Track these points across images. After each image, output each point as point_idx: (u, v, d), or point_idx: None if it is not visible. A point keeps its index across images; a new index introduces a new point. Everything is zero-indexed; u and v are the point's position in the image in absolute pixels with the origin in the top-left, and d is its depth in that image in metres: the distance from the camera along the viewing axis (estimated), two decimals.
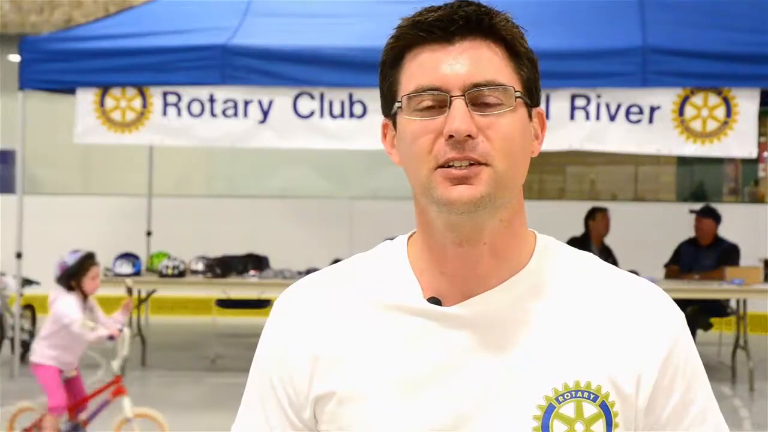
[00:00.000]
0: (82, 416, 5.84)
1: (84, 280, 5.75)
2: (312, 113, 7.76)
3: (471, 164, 1.24)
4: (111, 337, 5.65)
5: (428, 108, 1.27)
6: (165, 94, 7.87)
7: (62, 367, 5.72)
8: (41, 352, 5.70)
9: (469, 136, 1.24)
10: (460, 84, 1.26)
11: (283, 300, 1.40)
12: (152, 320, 10.25)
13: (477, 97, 1.26)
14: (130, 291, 6.05)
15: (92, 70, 7.92)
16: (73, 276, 5.75)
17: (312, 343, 1.34)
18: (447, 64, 1.27)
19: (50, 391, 5.64)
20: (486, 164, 1.25)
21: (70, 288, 5.74)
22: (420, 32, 1.28)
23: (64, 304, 5.66)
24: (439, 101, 1.27)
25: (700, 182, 12.88)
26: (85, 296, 5.79)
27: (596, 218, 9.20)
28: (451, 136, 1.24)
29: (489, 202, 1.26)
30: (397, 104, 1.31)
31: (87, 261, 5.81)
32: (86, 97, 7.96)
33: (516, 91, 1.29)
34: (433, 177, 1.26)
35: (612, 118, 7.51)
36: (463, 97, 1.26)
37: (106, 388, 5.84)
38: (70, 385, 5.80)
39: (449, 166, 1.25)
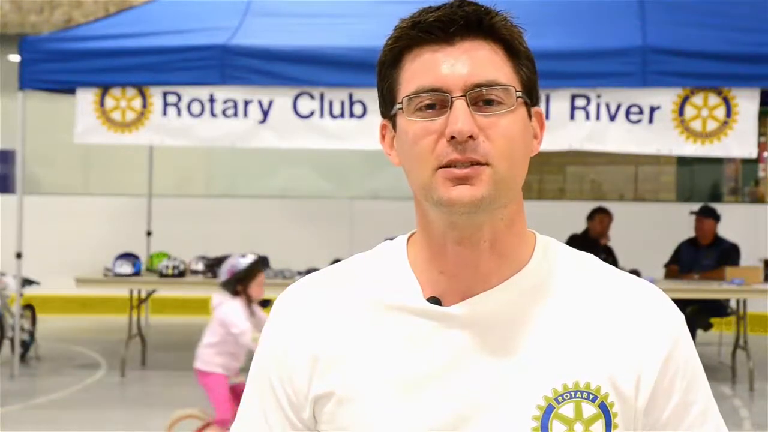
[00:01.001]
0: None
1: (251, 286, 5.67)
2: (312, 113, 7.76)
3: (473, 164, 1.24)
4: None
5: (429, 109, 1.27)
6: (165, 94, 7.87)
7: (228, 373, 5.60)
8: (208, 360, 5.57)
9: (470, 137, 1.24)
10: (461, 84, 1.26)
11: (283, 300, 1.40)
12: (152, 320, 10.25)
13: (478, 98, 1.26)
14: None
15: (92, 70, 7.91)
16: (240, 281, 5.67)
17: (311, 343, 1.34)
18: (448, 64, 1.27)
19: (219, 403, 5.51)
20: (487, 164, 1.25)
21: (235, 293, 5.65)
22: (420, 33, 1.28)
23: (231, 312, 5.54)
24: (440, 102, 1.26)
25: (700, 182, 12.87)
26: (249, 301, 5.69)
27: (594, 219, 9.24)
28: (452, 137, 1.24)
29: (489, 203, 1.26)
30: (397, 105, 1.30)
31: (256, 267, 5.75)
32: (86, 97, 7.95)
33: (517, 91, 1.28)
34: (434, 178, 1.26)
35: (612, 118, 7.51)
36: (464, 98, 1.25)
37: None
38: (236, 391, 5.66)
39: (451, 166, 1.25)
